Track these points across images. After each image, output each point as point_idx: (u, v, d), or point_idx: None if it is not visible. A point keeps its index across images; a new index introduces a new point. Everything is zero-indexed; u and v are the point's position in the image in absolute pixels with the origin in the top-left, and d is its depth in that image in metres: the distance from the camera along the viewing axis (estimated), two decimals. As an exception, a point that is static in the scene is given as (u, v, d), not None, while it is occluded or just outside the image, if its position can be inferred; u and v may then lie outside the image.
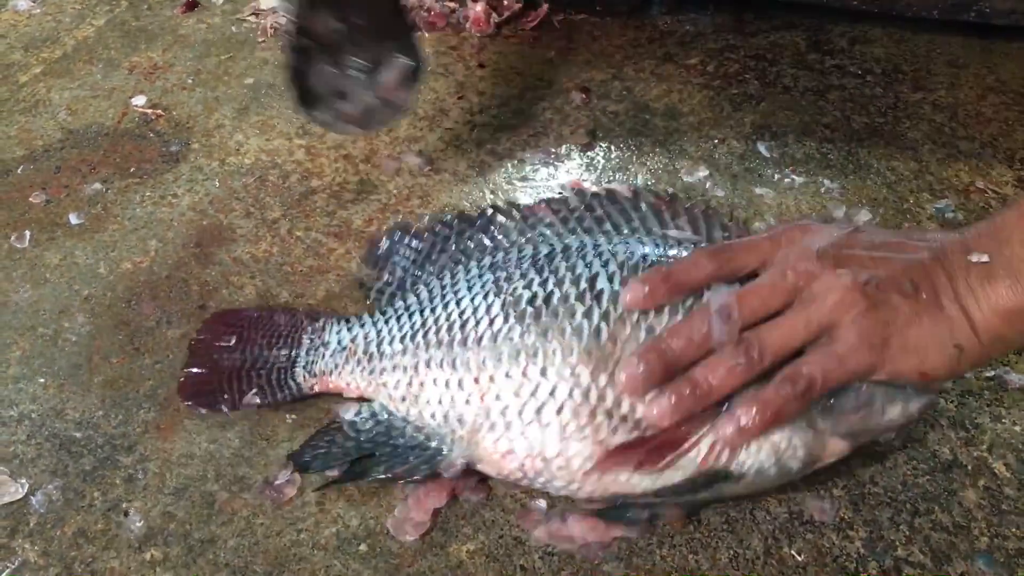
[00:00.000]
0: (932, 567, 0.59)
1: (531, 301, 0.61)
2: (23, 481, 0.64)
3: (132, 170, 0.92)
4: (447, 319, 0.63)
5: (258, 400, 0.66)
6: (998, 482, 0.64)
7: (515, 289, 0.62)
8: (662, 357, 0.57)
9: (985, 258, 0.57)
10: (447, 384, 0.62)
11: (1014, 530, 0.61)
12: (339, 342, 0.67)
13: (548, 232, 0.68)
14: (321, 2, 0.77)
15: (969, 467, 0.65)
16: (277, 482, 0.63)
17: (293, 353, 0.68)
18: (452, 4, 1.13)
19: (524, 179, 0.90)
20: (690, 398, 0.56)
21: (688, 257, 0.61)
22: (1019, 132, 0.94)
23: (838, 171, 0.89)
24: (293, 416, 0.68)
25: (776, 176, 0.89)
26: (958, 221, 0.84)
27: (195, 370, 0.68)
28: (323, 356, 0.67)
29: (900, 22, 1.09)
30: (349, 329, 0.68)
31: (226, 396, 0.66)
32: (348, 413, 0.65)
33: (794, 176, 0.89)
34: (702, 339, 0.57)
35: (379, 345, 0.65)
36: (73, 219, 0.85)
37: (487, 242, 0.69)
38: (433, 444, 0.62)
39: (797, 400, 0.56)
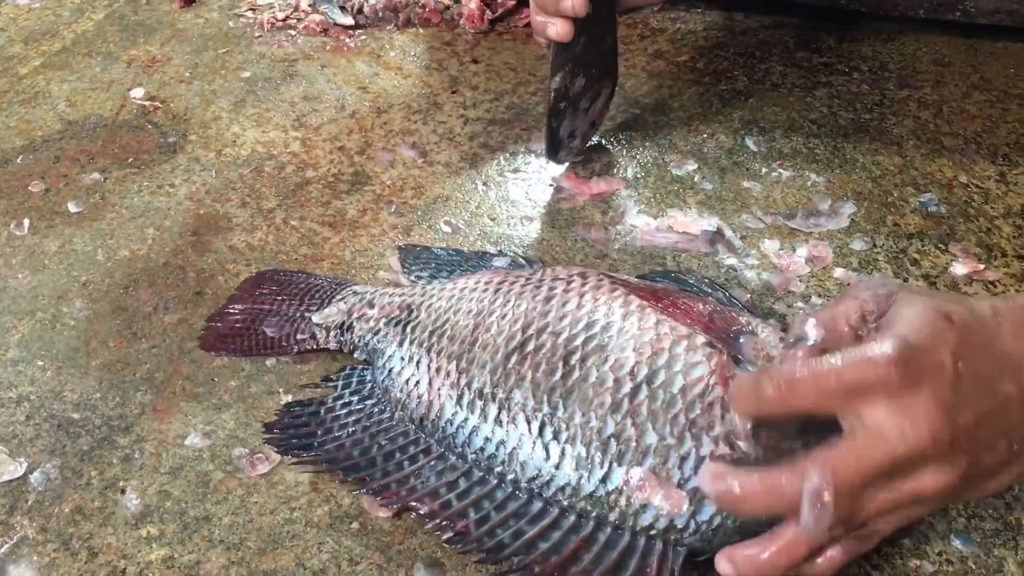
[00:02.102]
0: (910, 546, 0.60)
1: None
2: (22, 460, 0.65)
3: (130, 160, 0.93)
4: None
5: (272, 332, 0.73)
6: (976, 465, 0.65)
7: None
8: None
9: None
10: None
11: (991, 511, 0.62)
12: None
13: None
14: (574, 65, 0.84)
15: (948, 451, 0.66)
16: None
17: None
18: (447, 1, 1.14)
19: (516, 172, 0.91)
20: None
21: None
22: (1002, 128, 0.96)
23: (824, 165, 0.91)
24: (288, 397, 0.69)
25: (764, 170, 0.91)
26: (941, 214, 0.85)
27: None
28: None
29: (887, 21, 1.12)
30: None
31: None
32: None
33: (781, 170, 0.91)
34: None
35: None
36: (72, 208, 0.87)
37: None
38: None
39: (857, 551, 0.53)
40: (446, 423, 0.63)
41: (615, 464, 0.57)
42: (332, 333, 0.72)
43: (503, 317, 0.64)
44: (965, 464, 0.49)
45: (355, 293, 0.74)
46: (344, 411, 0.67)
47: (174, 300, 0.78)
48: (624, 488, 0.56)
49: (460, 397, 0.62)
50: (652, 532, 0.56)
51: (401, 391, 0.66)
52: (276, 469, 0.65)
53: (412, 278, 0.77)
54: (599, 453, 0.57)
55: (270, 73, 1.05)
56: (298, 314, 0.74)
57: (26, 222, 0.85)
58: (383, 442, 0.64)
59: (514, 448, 0.60)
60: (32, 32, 1.13)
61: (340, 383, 0.69)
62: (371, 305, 0.71)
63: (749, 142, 0.94)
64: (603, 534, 0.57)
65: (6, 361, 0.73)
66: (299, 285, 0.77)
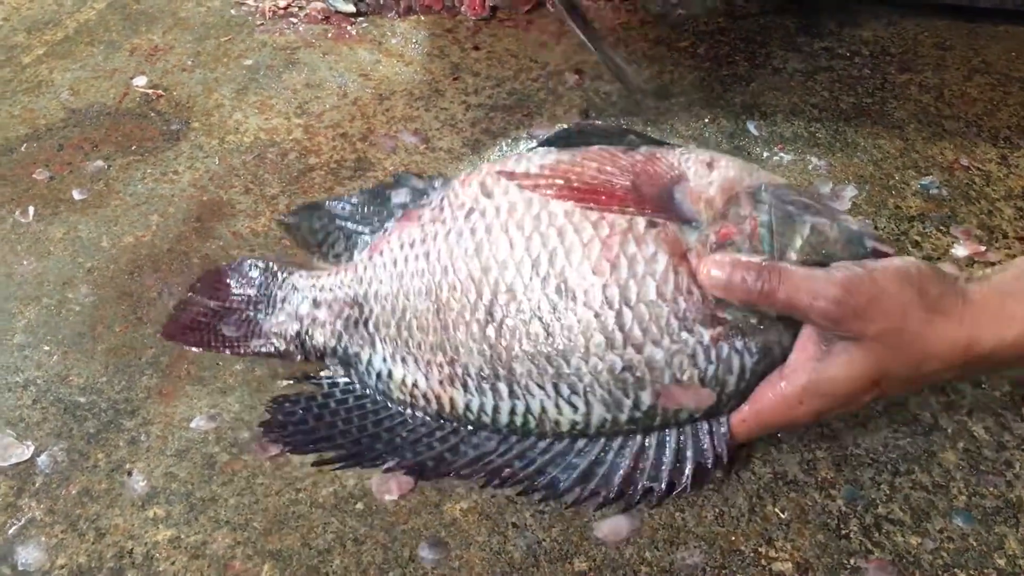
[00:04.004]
0: (911, 524, 0.61)
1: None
2: (29, 443, 0.66)
3: (134, 148, 0.93)
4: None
5: (230, 332, 0.71)
6: (977, 444, 0.66)
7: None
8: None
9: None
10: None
11: (991, 489, 0.63)
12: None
13: None
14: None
15: (949, 430, 0.67)
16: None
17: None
18: (448, -12, 1.15)
19: (518, 157, 0.91)
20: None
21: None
22: (1003, 111, 0.96)
23: (826, 149, 0.91)
24: (292, 381, 0.70)
25: (765, 154, 0.91)
26: (943, 197, 0.85)
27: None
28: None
29: (888, 6, 1.11)
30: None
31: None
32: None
33: (783, 154, 0.91)
34: None
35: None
36: (76, 195, 0.87)
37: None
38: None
39: (752, 294, 0.56)
40: (465, 411, 0.63)
41: (639, 390, 0.59)
42: (291, 343, 0.70)
43: (454, 288, 0.62)
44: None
45: (296, 289, 0.71)
46: (343, 410, 0.67)
47: (178, 285, 0.78)
48: (657, 402, 0.59)
49: (465, 385, 0.62)
50: (696, 418, 0.60)
51: (402, 393, 0.65)
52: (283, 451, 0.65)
53: (330, 258, 0.73)
54: (620, 389, 0.59)
55: (272, 61, 1.06)
56: (252, 315, 0.72)
57: (31, 209, 0.86)
58: (404, 433, 0.65)
59: (541, 412, 0.61)
60: (35, 21, 1.14)
61: (326, 382, 0.69)
62: (317, 305, 0.69)
63: (751, 126, 0.94)
64: (653, 439, 0.60)
65: (13, 346, 0.73)
66: (248, 274, 0.75)
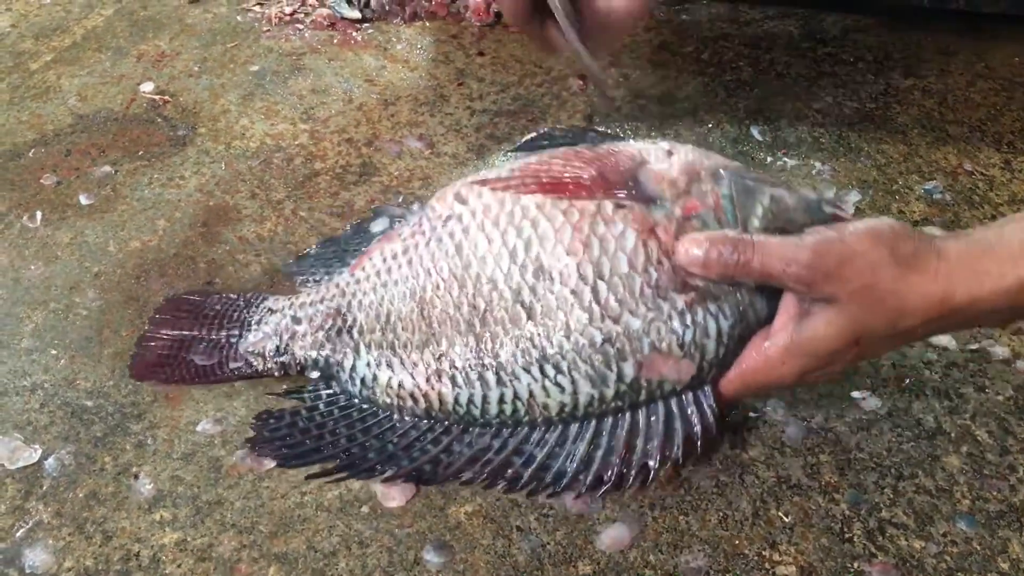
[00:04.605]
0: (915, 528, 0.61)
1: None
2: (36, 446, 0.66)
3: (140, 153, 0.94)
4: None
5: (201, 360, 0.70)
6: (980, 448, 0.66)
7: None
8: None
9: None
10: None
11: (995, 493, 0.63)
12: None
13: None
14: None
15: (953, 434, 0.67)
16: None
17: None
18: (453, -6, 1.15)
19: (522, 162, 0.92)
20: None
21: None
22: (1007, 116, 0.96)
23: (829, 154, 0.92)
24: (284, 384, 0.70)
25: (769, 159, 0.91)
26: (946, 202, 0.86)
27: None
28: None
29: (892, 11, 1.12)
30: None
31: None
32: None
33: (786, 159, 0.91)
34: None
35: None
36: (83, 200, 0.88)
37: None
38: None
39: (729, 267, 0.59)
40: (455, 406, 0.63)
41: (621, 362, 0.60)
42: (270, 360, 0.69)
43: (437, 287, 0.64)
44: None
45: (271, 311, 0.71)
46: (329, 422, 0.66)
47: (185, 290, 0.78)
48: (640, 373, 0.60)
49: (453, 379, 0.63)
50: (679, 389, 0.62)
51: (388, 396, 0.65)
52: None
53: (310, 285, 0.75)
54: (602, 363, 0.60)
55: (278, 67, 1.06)
56: (223, 339, 0.71)
57: (39, 214, 0.86)
58: (395, 439, 0.65)
59: (529, 397, 0.62)
60: (43, 28, 1.14)
61: (309, 395, 0.68)
62: (297, 320, 0.69)
63: (754, 131, 0.95)
64: (642, 415, 0.62)
65: (20, 350, 0.74)
66: (213, 307, 0.73)
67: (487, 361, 0.62)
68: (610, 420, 0.62)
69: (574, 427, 0.62)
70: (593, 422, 0.62)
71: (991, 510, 0.62)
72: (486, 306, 0.62)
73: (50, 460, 0.66)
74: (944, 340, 0.73)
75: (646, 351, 0.60)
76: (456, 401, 0.63)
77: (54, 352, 0.73)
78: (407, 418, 0.65)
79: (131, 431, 0.67)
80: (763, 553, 0.60)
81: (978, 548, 0.60)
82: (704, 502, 0.63)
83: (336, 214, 0.86)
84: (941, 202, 0.86)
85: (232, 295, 0.74)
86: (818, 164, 0.90)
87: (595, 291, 0.60)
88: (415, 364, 0.64)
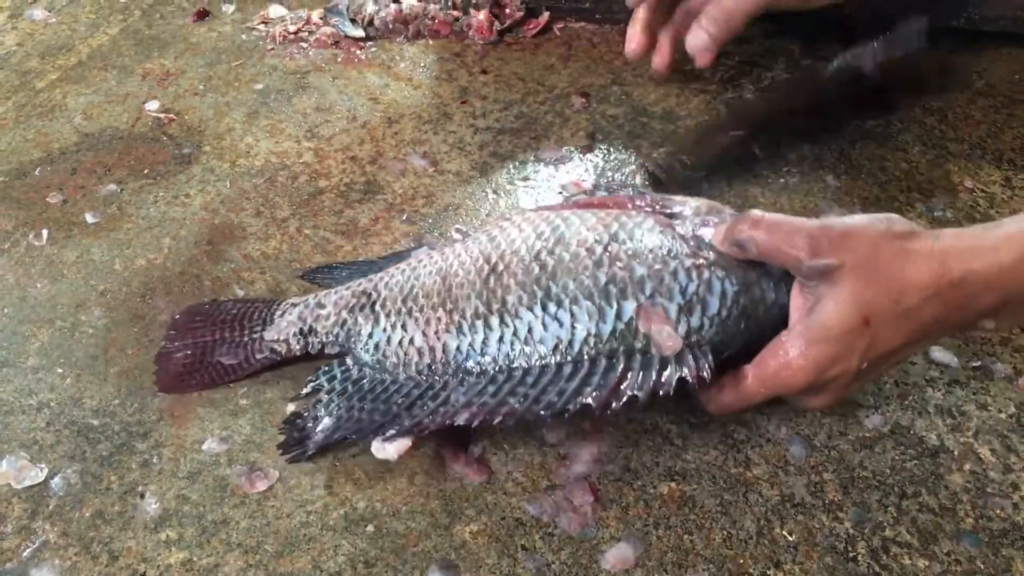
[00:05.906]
0: (919, 546, 0.61)
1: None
2: (43, 466, 0.67)
3: (146, 172, 0.94)
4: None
5: (229, 360, 0.72)
6: (983, 466, 0.66)
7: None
8: None
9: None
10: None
11: (999, 511, 0.63)
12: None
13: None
14: None
15: (955, 452, 0.67)
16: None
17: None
18: (456, 12, 1.16)
19: (525, 180, 0.92)
20: None
21: None
22: (1007, 133, 0.96)
23: (830, 171, 0.92)
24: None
25: (771, 176, 0.92)
26: (947, 220, 0.86)
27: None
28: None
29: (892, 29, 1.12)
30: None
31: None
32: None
33: (788, 176, 0.92)
34: None
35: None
36: (89, 218, 0.88)
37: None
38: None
39: (738, 233, 0.62)
40: (455, 354, 0.65)
41: (622, 300, 0.62)
42: (294, 342, 0.71)
43: (463, 263, 0.68)
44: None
45: (294, 305, 0.73)
46: (342, 399, 0.67)
47: (191, 303, 0.79)
48: (639, 317, 0.62)
49: (460, 327, 0.65)
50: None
51: (397, 355, 0.67)
52: (288, 476, 0.66)
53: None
54: (603, 300, 0.63)
55: (282, 85, 1.07)
56: (247, 337, 0.73)
57: (44, 232, 0.87)
58: (399, 400, 0.65)
59: (528, 334, 0.63)
60: (48, 47, 1.15)
61: (323, 379, 0.69)
62: (321, 305, 0.72)
63: (756, 149, 0.95)
64: (636, 362, 0.62)
65: (26, 369, 0.74)
66: (230, 311, 0.76)
67: (494, 307, 0.65)
68: (604, 362, 0.62)
69: (568, 368, 0.63)
70: (587, 363, 0.62)
71: (994, 528, 0.62)
72: (504, 267, 0.66)
73: (56, 479, 0.66)
74: (946, 357, 0.73)
75: (648, 292, 0.62)
76: (458, 349, 0.65)
77: (60, 370, 0.74)
78: (412, 373, 0.66)
79: (137, 450, 0.68)
80: (767, 572, 0.60)
81: (982, 567, 0.60)
82: (708, 521, 0.63)
83: (341, 232, 0.86)
84: (942, 219, 0.86)
85: (247, 301, 0.77)
86: (819, 181, 0.91)
87: (607, 248, 0.64)
88: (427, 322, 0.67)
